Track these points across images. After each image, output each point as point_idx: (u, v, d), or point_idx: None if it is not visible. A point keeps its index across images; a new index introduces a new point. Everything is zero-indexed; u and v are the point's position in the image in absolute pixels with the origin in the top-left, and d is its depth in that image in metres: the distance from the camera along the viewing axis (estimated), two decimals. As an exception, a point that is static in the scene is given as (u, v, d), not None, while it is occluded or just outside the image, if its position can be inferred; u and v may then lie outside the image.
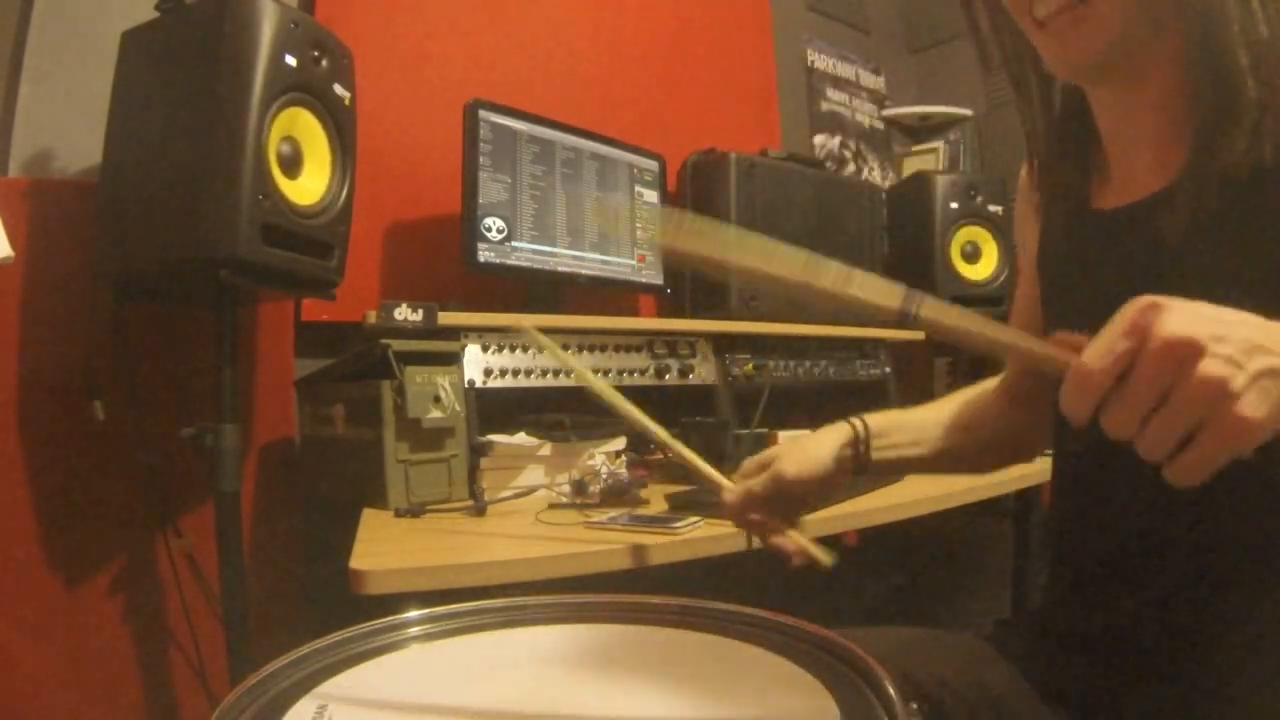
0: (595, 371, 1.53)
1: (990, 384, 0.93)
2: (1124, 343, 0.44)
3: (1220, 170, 0.60)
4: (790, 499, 0.85)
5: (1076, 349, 0.46)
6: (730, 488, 0.86)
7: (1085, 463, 0.75)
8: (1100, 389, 0.44)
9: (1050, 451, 0.82)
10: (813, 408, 1.76)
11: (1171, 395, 0.43)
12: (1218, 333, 0.43)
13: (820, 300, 0.50)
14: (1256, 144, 0.59)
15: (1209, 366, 0.42)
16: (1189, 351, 0.42)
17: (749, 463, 0.87)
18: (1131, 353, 0.43)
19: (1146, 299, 0.45)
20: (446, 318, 1.34)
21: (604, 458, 1.30)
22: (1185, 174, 0.63)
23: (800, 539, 0.83)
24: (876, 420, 0.87)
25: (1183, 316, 0.43)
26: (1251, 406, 0.42)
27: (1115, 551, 0.70)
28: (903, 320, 0.47)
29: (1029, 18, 0.66)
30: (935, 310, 0.47)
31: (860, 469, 0.87)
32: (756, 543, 0.97)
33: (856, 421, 0.87)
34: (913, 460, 0.89)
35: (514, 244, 1.58)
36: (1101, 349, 0.44)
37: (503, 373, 1.40)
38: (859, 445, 0.86)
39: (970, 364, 2.28)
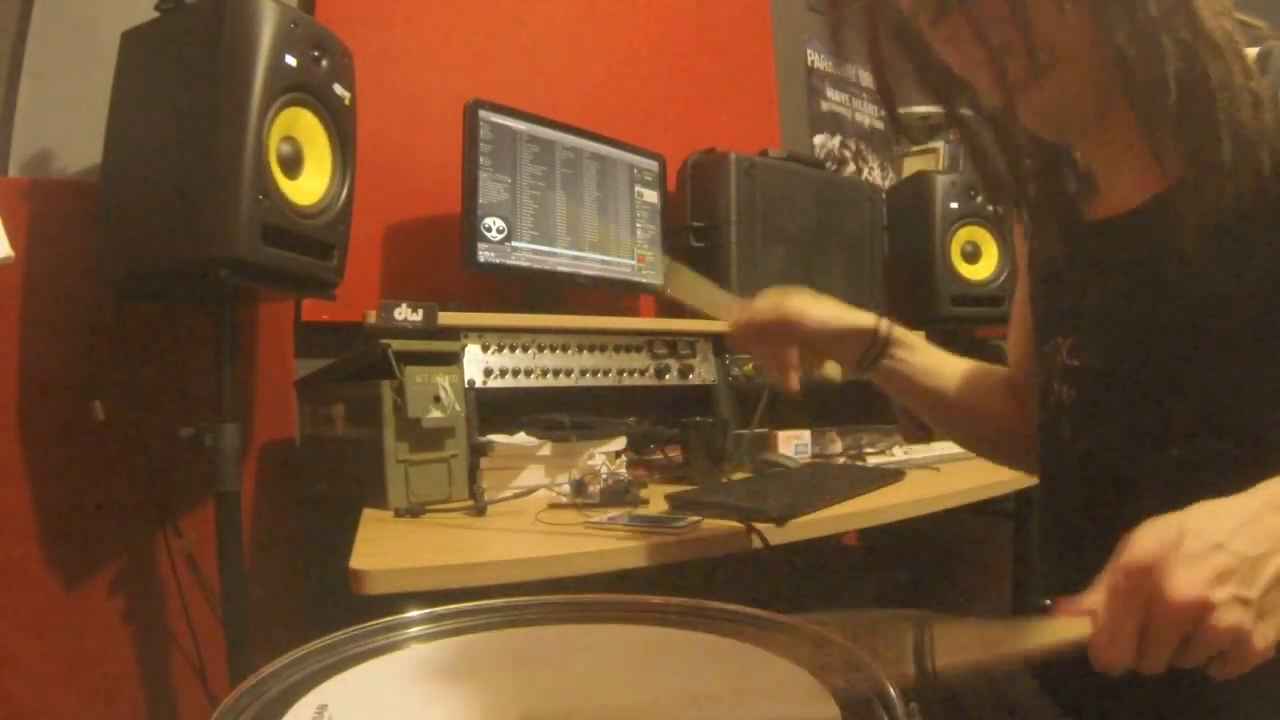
0: (595, 372, 1.53)
1: (995, 368, 0.95)
2: (1129, 621, 0.45)
3: (1199, 196, 0.61)
4: (791, 338, 0.86)
5: (1087, 614, 0.47)
6: (735, 310, 0.87)
7: (1072, 480, 0.75)
8: (1123, 662, 0.46)
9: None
10: (813, 408, 1.77)
11: (1191, 643, 0.45)
12: (1219, 567, 0.44)
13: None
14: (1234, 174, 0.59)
15: (1220, 619, 0.44)
16: (1197, 611, 0.44)
17: (765, 295, 0.88)
18: (1140, 623, 0.45)
19: (1140, 553, 0.46)
20: (446, 318, 1.34)
21: (604, 458, 1.31)
22: (1166, 196, 0.64)
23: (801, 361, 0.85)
24: (903, 333, 0.89)
25: (1181, 567, 0.44)
26: (1265, 635, 0.45)
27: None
28: (923, 681, 0.47)
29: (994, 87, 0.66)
30: (949, 655, 0.48)
31: (868, 363, 0.88)
32: (757, 542, 0.97)
33: (883, 321, 0.88)
34: (919, 389, 0.90)
35: (514, 244, 1.58)
36: (1111, 631, 0.46)
37: (503, 373, 1.40)
38: (878, 336, 0.87)
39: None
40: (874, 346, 0.87)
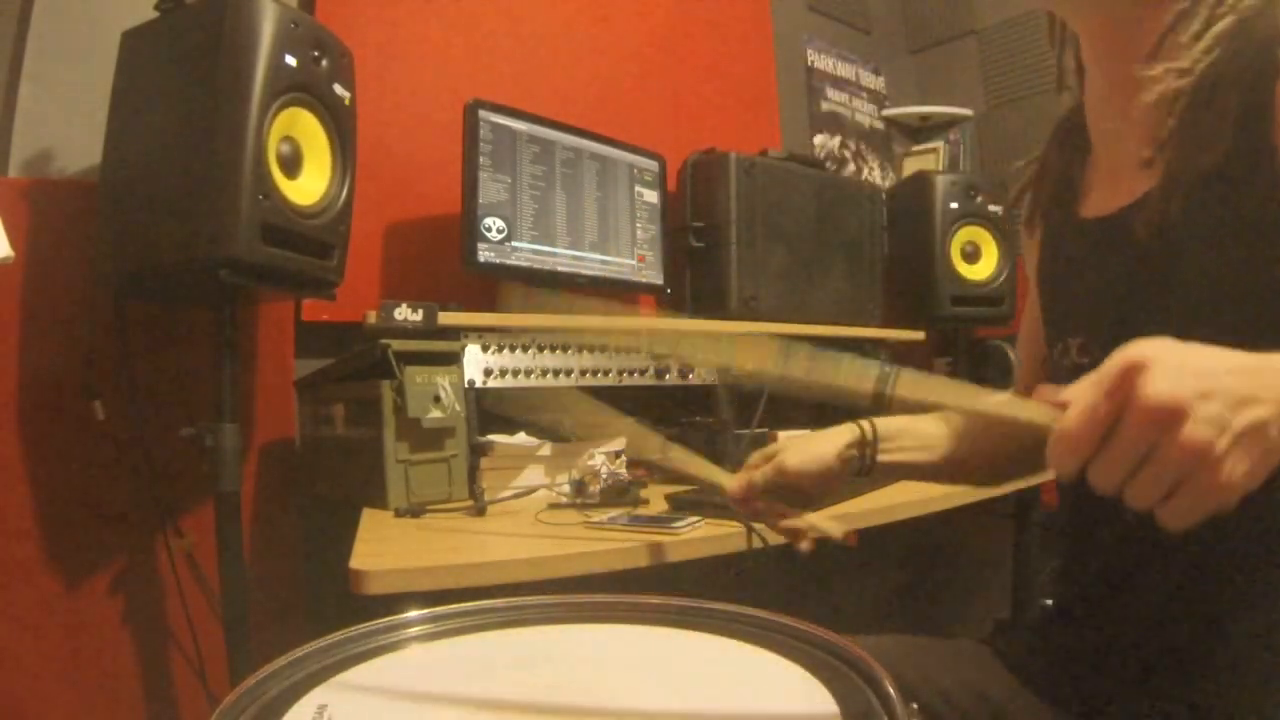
0: (595, 372, 1.53)
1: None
2: (1106, 404, 0.43)
3: (1190, 178, 0.61)
4: (793, 491, 0.85)
5: (1061, 406, 0.45)
6: (731, 479, 0.87)
7: (1082, 486, 0.75)
8: (1083, 452, 0.44)
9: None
10: (813, 408, 1.77)
11: (1154, 456, 0.42)
12: (1204, 388, 0.42)
13: (793, 385, 0.49)
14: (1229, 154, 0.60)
15: (1192, 432, 0.41)
16: (1172, 417, 0.42)
17: (754, 455, 0.88)
18: (1114, 414, 0.43)
19: (1134, 353, 0.44)
20: (446, 318, 1.34)
21: (604, 458, 1.30)
22: (1157, 184, 0.65)
23: (810, 518, 0.84)
24: (885, 424, 0.87)
25: (1168, 375, 0.42)
26: (1232, 469, 0.42)
27: (1117, 566, 0.70)
28: (879, 401, 0.45)
29: None
30: (911, 386, 0.46)
31: (865, 470, 0.87)
32: (757, 542, 0.97)
33: (865, 424, 0.87)
34: (920, 466, 0.89)
35: (514, 244, 1.58)
36: (1084, 412, 0.44)
37: (503, 373, 1.40)
38: (865, 447, 0.86)
39: (971, 364, 2.28)
40: (863, 456, 0.86)
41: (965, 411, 0.47)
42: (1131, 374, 0.43)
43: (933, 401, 0.47)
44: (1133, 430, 0.43)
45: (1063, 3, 0.72)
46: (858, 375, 0.46)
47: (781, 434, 1.61)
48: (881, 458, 0.86)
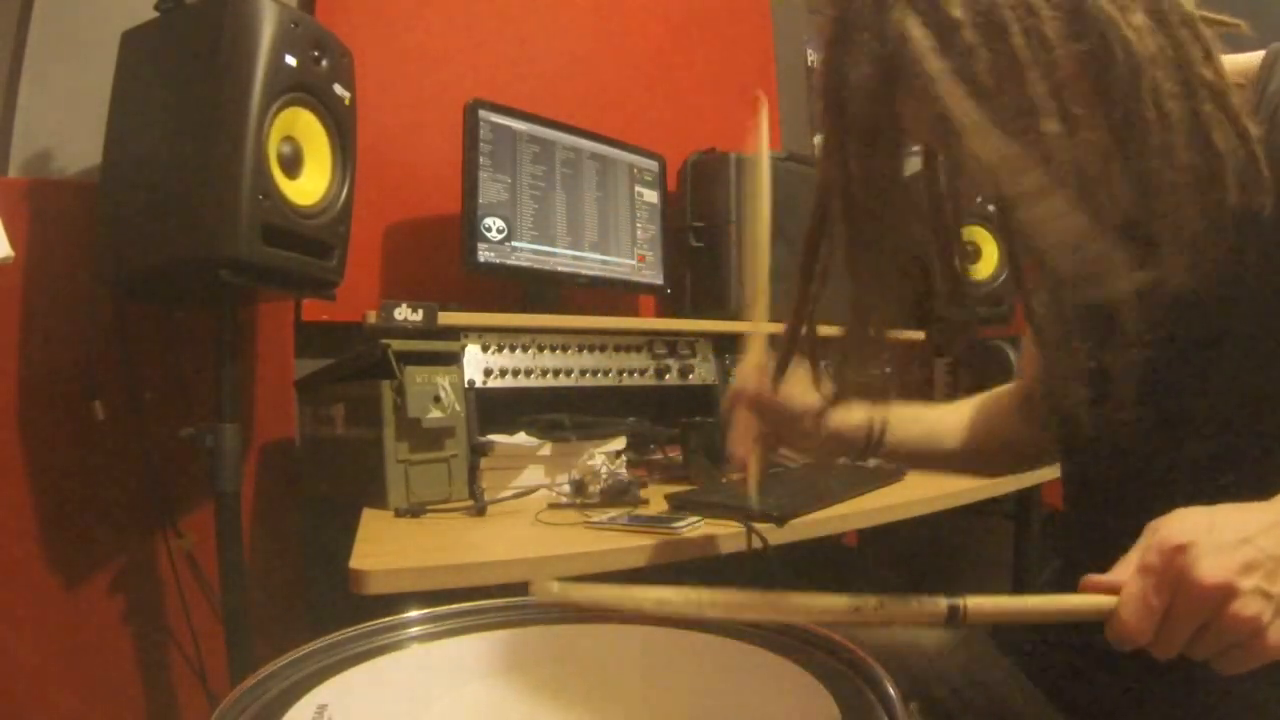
0: (595, 372, 1.53)
1: (1004, 389, 0.94)
2: (1157, 598, 0.46)
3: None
4: (782, 420, 0.85)
5: (1111, 590, 0.48)
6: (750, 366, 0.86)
7: (1093, 474, 0.75)
8: (1144, 640, 0.47)
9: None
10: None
11: (1209, 629, 0.46)
12: (1245, 560, 0.45)
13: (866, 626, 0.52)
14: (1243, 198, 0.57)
15: (1242, 608, 0.45)
16: (1223, 596, 0.45)
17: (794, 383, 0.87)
18: (1166, 603, 0.46)
19: (1173, 533, 0.47)
20: (446, 318, 1.34)
21: (604, 458, 1.30)
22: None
23: (756, 465, 0.85)
24: (900, 409, 0.89)
25: (1210, 553, 0.45)
26: (1279, 632, 0.45)
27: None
28: (952, 620, 0.48)
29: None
30: (981, 608, 0.49)
31: (870, 450, 0.88)
32: (757, 542, 0.97)
33: (875, 415, 0.87)
34: (925, 454, 0.90)
35: (514, 244, 1.58)
36: (1139, 606, 0.47)
37: (503, 373, 1.40)
38: (872, 426, 0.87)
39: (971, 364, 2.28)
40: (870, 434, 0.87)
41: (1033, 615, 0.50)
42: (1176, 557, 0.46)
43: (1007, 613, 0.50)
44: (1186, 613, 0.46)
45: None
46: (930, 610, 0.49)
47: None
48: (889, 437, 0.87)
